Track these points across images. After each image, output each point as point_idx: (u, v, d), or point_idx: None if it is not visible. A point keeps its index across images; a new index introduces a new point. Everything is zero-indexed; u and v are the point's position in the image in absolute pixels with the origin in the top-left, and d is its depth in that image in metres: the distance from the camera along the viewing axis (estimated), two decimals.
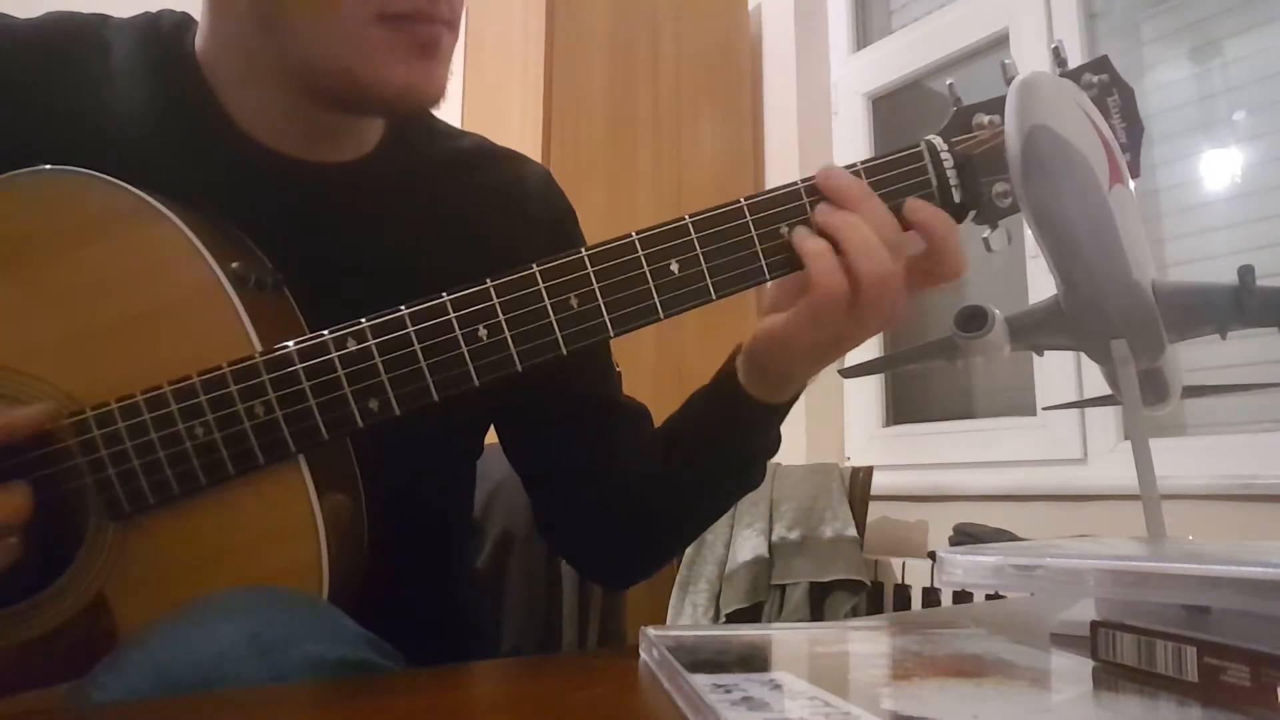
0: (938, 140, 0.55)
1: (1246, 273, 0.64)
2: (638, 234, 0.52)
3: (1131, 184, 0.58)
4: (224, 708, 0.37)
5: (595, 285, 0.51)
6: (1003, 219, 0.57)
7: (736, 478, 0.68)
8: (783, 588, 1.75)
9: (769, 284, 0.55)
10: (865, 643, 0.46)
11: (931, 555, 1.71)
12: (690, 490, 0.68)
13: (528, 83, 1.98)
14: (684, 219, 0.52)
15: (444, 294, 0.51)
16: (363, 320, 0.51)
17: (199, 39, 0.62)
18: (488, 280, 0.51)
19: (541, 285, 0.51)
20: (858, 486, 1.83)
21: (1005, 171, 0.55)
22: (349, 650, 0.43)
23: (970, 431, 2.00)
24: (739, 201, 0.53)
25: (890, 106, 2.32)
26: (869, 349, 2.18)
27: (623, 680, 0.42)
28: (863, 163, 0.54)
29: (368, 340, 0.50)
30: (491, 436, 0.75)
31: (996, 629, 0.46)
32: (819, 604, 1.74)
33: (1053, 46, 0.57)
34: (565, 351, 0.52)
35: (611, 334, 0.52)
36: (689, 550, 1.81)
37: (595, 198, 1.98)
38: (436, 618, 0.68)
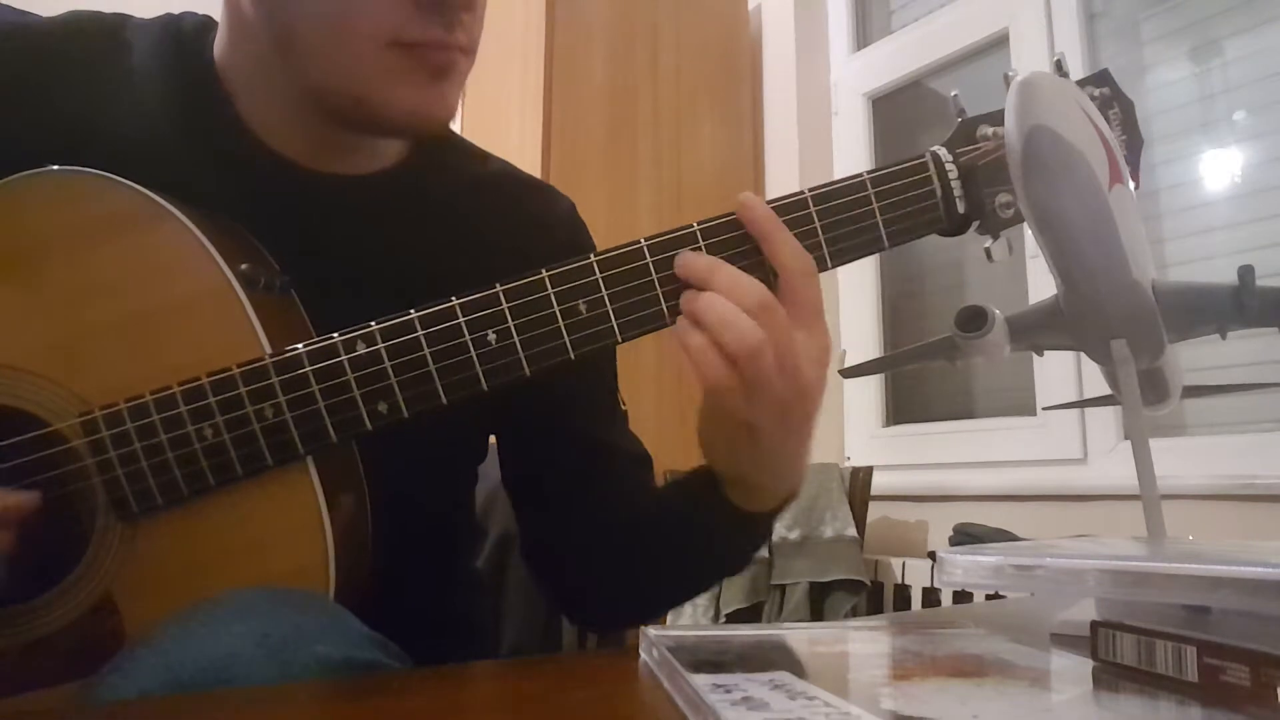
0: (942, 151, 0.56)
1: (1246, 273, 0.64)
2: (646, 240, 0.52)
3: (1132, 184, 0.59)
4: (222, 706, 0.37)
5: (604, 291, 0.51)
6: (1005, 229, 0.57)
7: (712, 569, 0.68)
8: (783, 588, 1.75)
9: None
10: (865, 643, 0.46)
11: (931, 555, 1.71)
12: (667, 570, 0.67)
13: (528, 83, 1.98)
14: (692, 226, 0.52)
15: (454, 298, 0.51)
16: (372, 324, 0.51)
17: (218, 45, 0.61)
18: (497, 285, 0.51)
19: (550, 291, 0.51)
20: (858, 486, 1.83)
21: (1008, 182, 0.55)
22: (357, 651, 0.43)
23: (970, 431, 2.00)
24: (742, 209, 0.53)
25: (890, 106, 2.32)
26: (869, 349, 2.19)
27: (623, 680, 0.42)
28: (868, 173, 0.54)
29: (377, 344, 0.50)
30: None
31: (996, 629, 0.46)
32: (819, 604, 1.75)
33: (1055, 59, 0.57)
34: (573, 356, 0.51)
35: (619, 339, 0.52)
36: None
37: (595, 198, 1.98)
38: (437, 618, 0.68)
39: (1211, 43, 1.72)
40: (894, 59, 2.27)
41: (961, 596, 1.57)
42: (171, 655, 0.39)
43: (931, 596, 1.70)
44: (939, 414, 2.10)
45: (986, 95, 0.58)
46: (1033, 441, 1.86)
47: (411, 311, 0.51)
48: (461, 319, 0.51)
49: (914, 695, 0.33)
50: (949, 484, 1.90)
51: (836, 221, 0.54)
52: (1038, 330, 0.70)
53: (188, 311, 0.52)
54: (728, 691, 0.31)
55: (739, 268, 0.51)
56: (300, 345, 0.50)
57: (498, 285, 0.51)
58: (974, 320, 0.70)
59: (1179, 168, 1.73)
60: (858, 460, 2.03)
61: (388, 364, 0.50)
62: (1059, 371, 1.79)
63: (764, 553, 1.76)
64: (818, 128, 2.36)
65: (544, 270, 0.51)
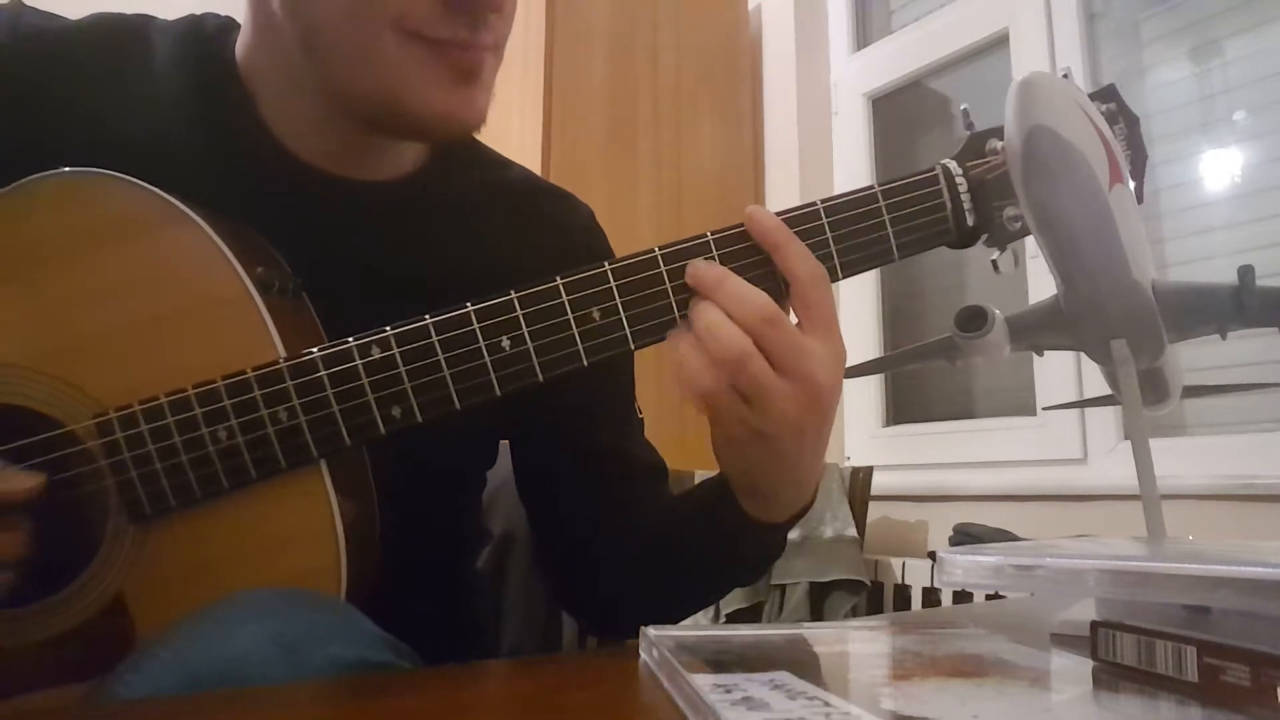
0: (953, 164, 0.56)
1: (1246, 273, 0.64)
2: (660, 249, 0.52)
3: (1132, 185, 0.59)
4: (222, 706, 0.37)
5: (618, 299, 0.51)
6: (1012, 242, 0.57)
7: (726, 578, 0.68)
8: (782, 587, 1.75)
9: None
10: (865, 643, 0.46)
11: (931, 555, 1.71)
12: (681, 578, 0.66)
13: (528, 83, 1.98)
14: (706, 235, 0.52)
15: (469, 304, 0.51)
16: (387, 328, 0.51)
17: (240, 46, 0.61)
18: (511, 291, 0.51)
19: (565, 298, 0.51)
20: (858, 486, 1.83)
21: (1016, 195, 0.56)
22: (370, 651, 0.43)
23: (970, 431, 2.00)
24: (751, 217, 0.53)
25: (890, 106, 2.32)
26: (869, 349, 2.19)
27: (623, 680, 0.42)
28: (879, 185, 0.55)
29: (392, 348, 0.50)
30: None
31: (996, 629, 0.46)
32: (819, 604, 1.74)
33: (1061, 74, 0.57)
34: (586, 363, 0.52)
35: (632, 347, 0.52)
36: None
37: (595, 198, 1.95)
38: (441, 619, 0.68)
39: (1211, 43, 1.72)
40: (894, 59, 2.27)
41: (961, 596, 1.57)
42: (187, 654, 0.39)
43: (931, 596, 1.70)
44: (939, 414, 2.10)
45: (987, 95, 0.58)
46: (1033, 441, 1.86)
47: (426, 317, 0.51)
48: (476, 325, 0.51)
49: (914, 695, 0.33)
50: (949, 484, 1.90)
51: (848, 233, 0.54)
52: (1038, 330, 0.70)
53: (202, 315, 0.52)
54: (728, 691, 0.31)
55: (752, 277, 0.51)
56: (315, 349, 0.51)
57: (512, 292, 0.51)
58: (974, 320, 0.70)
59: (1179, 168, 1.73)
60: (858, 460, 2.03)
61: (402, 369, 0.50)
62: (1059, 371, 1.79)
63: None
64: (818, 128, 2.36)
65: (559, 278, 0.51)
